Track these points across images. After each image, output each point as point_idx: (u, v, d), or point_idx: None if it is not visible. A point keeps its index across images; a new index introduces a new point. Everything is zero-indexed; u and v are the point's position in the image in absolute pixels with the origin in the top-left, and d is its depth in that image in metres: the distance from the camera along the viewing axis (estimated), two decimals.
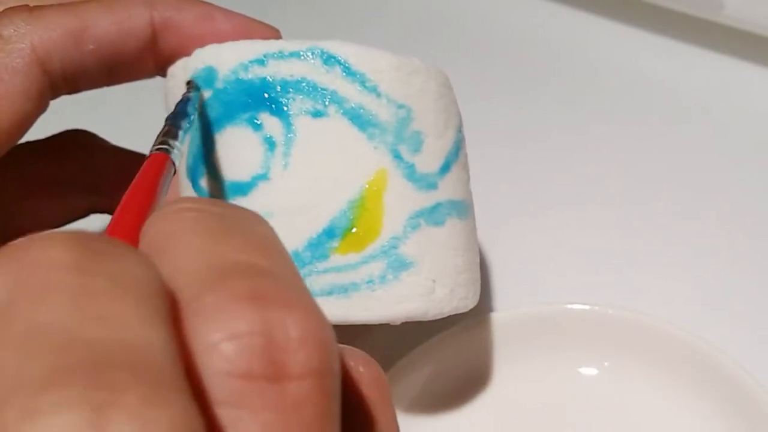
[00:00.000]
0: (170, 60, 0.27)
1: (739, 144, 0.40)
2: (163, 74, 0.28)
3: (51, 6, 0.27)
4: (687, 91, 0.43)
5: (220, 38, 0.27)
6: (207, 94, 0.25)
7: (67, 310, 0.13)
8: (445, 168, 0.27)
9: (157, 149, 0.22)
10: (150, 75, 0.29)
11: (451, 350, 0.32)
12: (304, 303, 0.15)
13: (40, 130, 0.30)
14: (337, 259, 0.25)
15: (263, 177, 0.25)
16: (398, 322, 0.26)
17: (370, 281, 0.25)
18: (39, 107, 0.27)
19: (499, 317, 0.32)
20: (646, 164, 0.40)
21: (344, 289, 0.25)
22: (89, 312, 0.13)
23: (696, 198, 0.38)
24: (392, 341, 0.33)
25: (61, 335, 0.12)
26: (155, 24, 0.27)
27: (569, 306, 0.31)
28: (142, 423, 0.11)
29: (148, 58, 0.28)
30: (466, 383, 0.32)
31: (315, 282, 0.25)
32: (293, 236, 0.25)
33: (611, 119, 0.42)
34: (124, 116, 0.42)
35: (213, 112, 0.25)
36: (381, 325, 0.34)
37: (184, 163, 0.27)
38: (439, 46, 0.47)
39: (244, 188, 0.25)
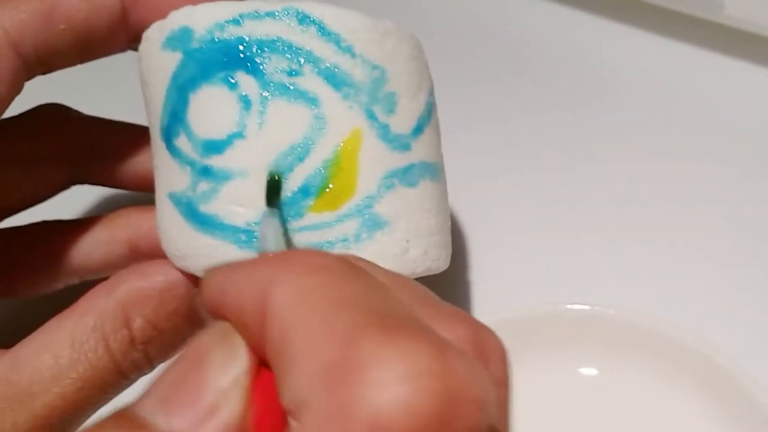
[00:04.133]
0: (141, 33, 0.27)
1: (739, 144, 0.40)
2: (135, 48, 0.28)
3: None
4: (687, 91, 0.43)
5: None
6: (182, 54, 0.26)
7: (363, 288, 0.17)
8: (418, 130, 0.27)
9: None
10: (122, 49, 0.29)
11: None
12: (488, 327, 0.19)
13: (13, 106, 0.30)
14: (312, 217, 0.25)
15: (239, 135, 0.25)
16: None
17: (344, 240, 0.25)
18: (13, 89, 0.27)
19: (499, 317, 0.32)
20: (646, 164, 0.40)
21: (319, 248, 0.25)
22: (377, 292, 0.17)
23: (696, 198, 0.38)
24: None
25: (364, 304, 0.16)
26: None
27: (569, 306, 0.31)
28: (465, 359, 0.16)
29: (120, 33, 0.28)
30: None
31: (291, 240, 0.25)
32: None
33: (611, 119, 0.42)
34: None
35: (188, 72, 0.26)
36: None
37: (157, 125, 0.27)
38: (438, 46, 0.47)
39: (219, 146, 0.25)
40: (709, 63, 0.43)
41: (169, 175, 0.26)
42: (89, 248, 0.31)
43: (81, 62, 0.29)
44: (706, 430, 0.29)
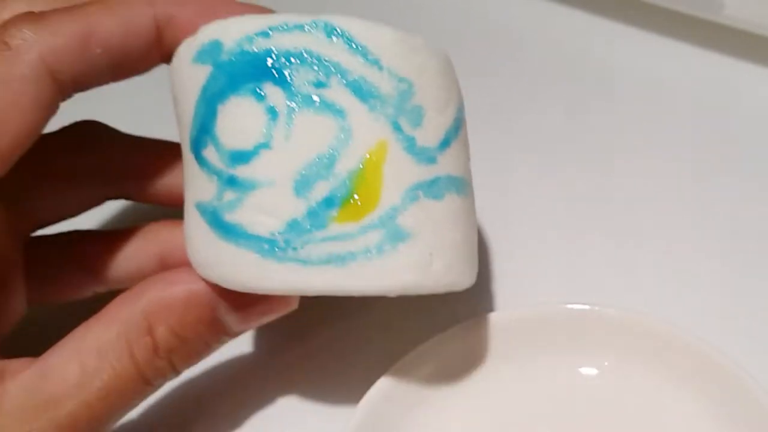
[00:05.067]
0: (174, 50, 0.28)
1: (739, 144, 0.40)
2: (168, 62, 0.28)
3: (55, 11, 0.27)
4: (687, 90, 0.43)
5: None
6: (211, 67, 0.26)
7: None
8: (445, 144, 0.27)
9: None
10: (155, 66, 0.29)
11: (451, 350, 0.32)
12: None
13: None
14: (335, 228, 0.25)
15: (265, 146, 0.25)
16: (394, 294, 0.26)
17: (367, 251, 0.25)
18: (49, 114, 0.27)
19: (499, 317, 0.32)
20: (645, 164, 0.40)
21: (342, 259, 0.25)
22: None
23: (696, 197, 0.38)
24: (391, 341, 0.33)
25: None
26: (158, 21, 0.28)
27: (569, 306, 0.31)
28: None
29: (154, 54, 0.28)
30: (465, 383, 0.32)
31: (313, 251, 0.25)
32: (294, 204, 0.25)
33: (609, 119, 0.42)
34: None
35: (218, 84, 0.26)
36: (377, 324, 0.34)
37: (187, 136, 0.27)
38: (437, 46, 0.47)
39: (246, 156, 0.25)
40: (709, 63, 0.43)
41: (197, 185, 0.27)
42: (119, 260, 0.31)
43: (115, 81, 0.29)
44: (707, 430, 0.29)
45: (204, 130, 0.26)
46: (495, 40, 0.47)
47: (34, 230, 0.32)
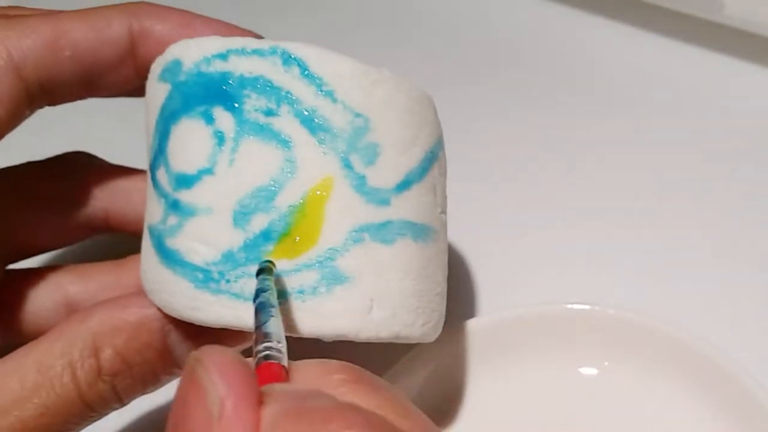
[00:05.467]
0: None
1: (739, 144, 0.40)
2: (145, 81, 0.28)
3: (30, 15, 0.27)
4: (687, 91, 0.43)
5: None
6: (170, 86, 0.25)
7: None
8: (404, 186, 0.25)
9: (263, 357, 0.20)
10: (131, 87, 0.29)
11: (451, 350, 0.31)
12: None
13: (38, 149, 0.30)
14: None
15: (208, 171, 0.24)
16: (328, 339, 0.25)
17: (300, 291, 0.24)
18: (14, 112, 0.27)
19: (498, 317, 0.32)
20: (645, 164, 0.40)
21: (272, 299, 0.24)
22: None
23: (696, 197, 0.38)
24: (388, 344, 0.33)
25: None
26: (134, 32, 0.27)
27: (569, 306, 0.31)
28: None
29: (127, 67, 0.28)
30: (465, 383, 0.32)
31: (247, 285, 0.24)
32: (230, 235, 0.24)
33: (610, 119, 0.42)
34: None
35: (173, 104, 0.25)
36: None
37: (148, 156, 0.27)
38: (437, 47, 0.47)
39: (189, 181, 0.25)
40: (709, 63, 0.43)
41: (151, 207, 0.26)
42: (97, 293, 0.30)
43: (88, 95, 0.29)
44: (706, 431, 0.29)
45: (160, 150, 0.26)
46: (494, 40, 0.47)
47: (15, 260, 0.31)
